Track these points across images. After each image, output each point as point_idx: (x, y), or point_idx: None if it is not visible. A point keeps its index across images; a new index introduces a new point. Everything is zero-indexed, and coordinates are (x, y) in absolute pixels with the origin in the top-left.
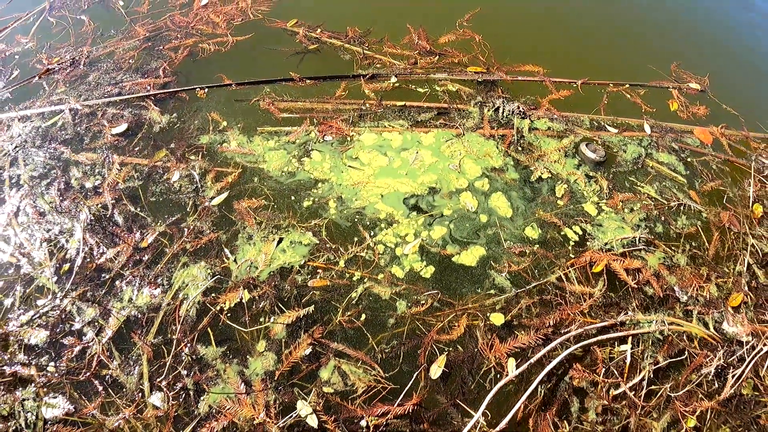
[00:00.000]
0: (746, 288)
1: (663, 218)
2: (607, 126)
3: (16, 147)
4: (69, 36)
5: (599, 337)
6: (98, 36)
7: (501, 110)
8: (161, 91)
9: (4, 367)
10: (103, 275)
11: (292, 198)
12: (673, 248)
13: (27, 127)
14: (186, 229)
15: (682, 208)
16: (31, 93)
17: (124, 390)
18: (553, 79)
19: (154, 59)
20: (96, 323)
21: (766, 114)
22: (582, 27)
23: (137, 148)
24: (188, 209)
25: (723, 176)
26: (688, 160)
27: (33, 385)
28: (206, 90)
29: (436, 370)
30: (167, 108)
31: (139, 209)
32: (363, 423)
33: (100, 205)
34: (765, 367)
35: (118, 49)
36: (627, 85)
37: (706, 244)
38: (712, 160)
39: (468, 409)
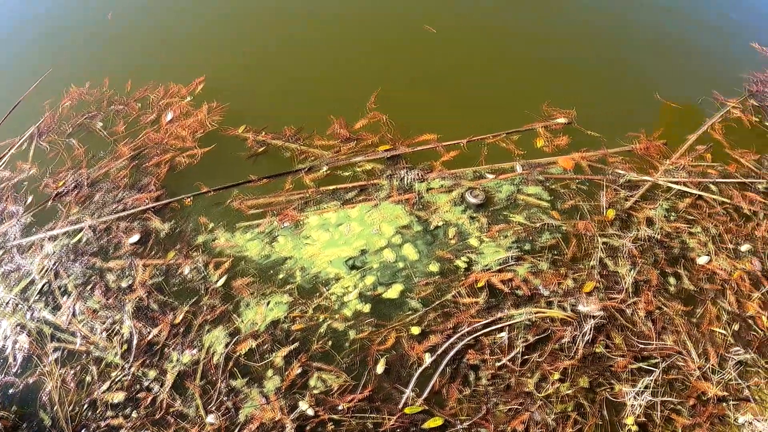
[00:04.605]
0: (598, 277)
1: (530, 238)
2: (486, 174)
3: (54, 263)
4: (64, 160)
5: (484, 330)
6: (90, 158)
7: (405, 179)
8: (156, 204)
9: (100, 422)
10: (154, 347)
11: (271, 272)
12: (537, 258)
13: (57, 245)
14: (204, 306)
15: (545, 226)
16: (49, 215)
17: (188, 418)
18: (443, 144)
19: (143, 175)
20: (158, 379)
21: (625, 128)
22: (465, 88)
23: (152, 252)
24: (202, 292)
25: (581, 193)
26: (552, 187)
27: (123, 429)
28: (191, 198)
29: (380, 368)
30: (165, 217)
31: (166, 297)
32: (340, 407)
33: (137, 299)
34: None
35: (111, 169)
36: (503, 134)
37: (565, 250)
38: (573, 182)
39: (403, 389)
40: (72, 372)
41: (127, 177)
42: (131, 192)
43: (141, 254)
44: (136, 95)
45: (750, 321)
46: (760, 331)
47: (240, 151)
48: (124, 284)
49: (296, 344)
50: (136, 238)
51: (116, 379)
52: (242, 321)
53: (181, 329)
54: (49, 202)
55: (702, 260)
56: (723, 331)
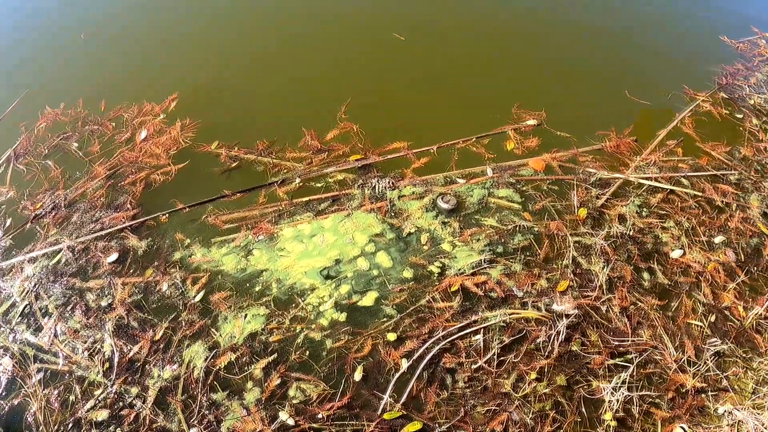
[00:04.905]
0: (571, 275)
1: (502, 240)
2: (456, 179)
3: (35, 285)
4: (41, 182)
5: (459, 334)
6: (67, 179)
7: (376, 187)
8: (133, 222)
9: None
10: (135, 364)
11: (247, 285)
12: (510, 260)
13: (37, 267)
14: (183, 322)
15: (517, 228)
16: (28, 237)
17: None
18: (414, 151)
19: (119, 194)
20: (140, 396)
21: (595, 127)
22: (434, 94)
23: (131, 270)
24: (180, 308)
25: (552, 194)
26: (523, 189)
27: None
28: (166, 215)
29: (357, 376)
30: (142, 234)
31: (146, 314)
32: (319, 416)
33: (117, 317)
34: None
35: (87, 189)
36: (473, 139)
37: (538, 250)
38: (544, 183)
39: (381, 395)
40: (56, 392)
41: (103, 196)
42: (108, 211)
43: (119, 273)
44: (110, 115)
45: (726, 312)
46: (736, 321)
47: (213, 167)
48: (103, 303)
49: (274, 355)
50: (114, 257)
51: (99, 398)
52: (220, 335)
53: (161, 345)
54: (28, 225)
55: (676, 254)
56: (699, 323)
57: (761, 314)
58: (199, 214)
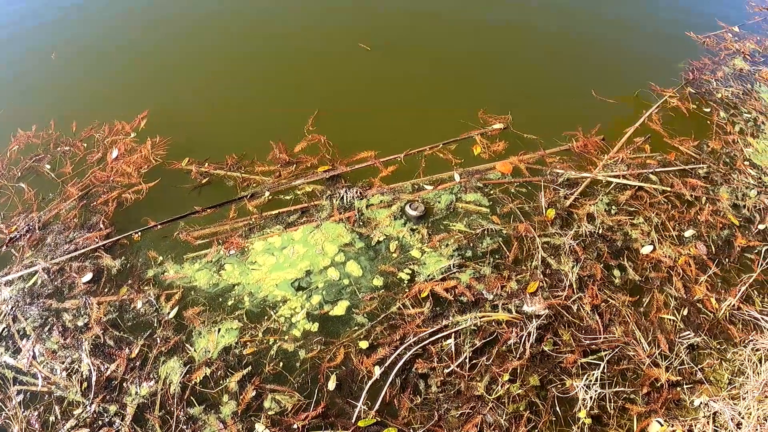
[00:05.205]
0: (541, 276)
1: (471, 244)
2: (424, 185)
3: (12, 307)
4: (15, 205)
5: (431, 339)
6: (40, 201)
7: (344, 198)
8: (106, 241)
9: None
10: (113, 382)
11: (220, 300)
12: (480, 264)
13: (14, 289)
14: (158, 338)
15: (486, 232)
16: (4, 261)
17: None
18: (381, 160)
19: (92, 214)
20: (119, 413)
21: (561, 128)
22: (401, 102)
23: (105, 289)
24: (155, 325)
25: (520, 196)
26: (491, 192)
27: None
28: (139, 233)
29: (331, 385)
30: (116, 253)
31: (122, 332)
32: (295, 426)
33: (94, 336)
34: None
35: (61, 210)
36: (440, 145)
37: (507, 253)
38: (511, 185)
39: (355, 402)
40: (36, 413)
41: (77, 217)
42: (82, 231)
43: (95, 292)
44: (81, 135)
45: (699, 304)
46: (709, 313)
47: (185, 184)
48: (80, 323)
49: (249, 368)
50: (89, 276)
51: (79, 417)
52: (195, 350)
53: (138, 362)
54: (3, 248)
55: (646, 250)
56: (672, 317)
57: (734, 305)
58: (171, 231)
